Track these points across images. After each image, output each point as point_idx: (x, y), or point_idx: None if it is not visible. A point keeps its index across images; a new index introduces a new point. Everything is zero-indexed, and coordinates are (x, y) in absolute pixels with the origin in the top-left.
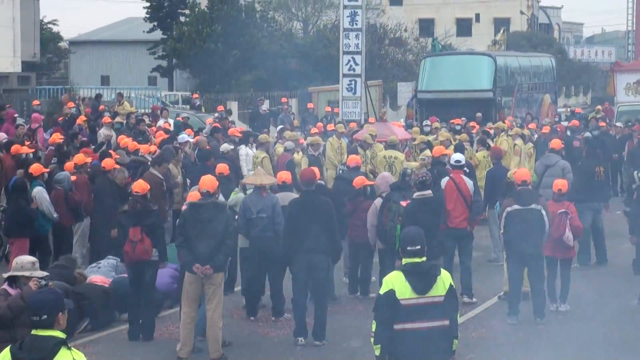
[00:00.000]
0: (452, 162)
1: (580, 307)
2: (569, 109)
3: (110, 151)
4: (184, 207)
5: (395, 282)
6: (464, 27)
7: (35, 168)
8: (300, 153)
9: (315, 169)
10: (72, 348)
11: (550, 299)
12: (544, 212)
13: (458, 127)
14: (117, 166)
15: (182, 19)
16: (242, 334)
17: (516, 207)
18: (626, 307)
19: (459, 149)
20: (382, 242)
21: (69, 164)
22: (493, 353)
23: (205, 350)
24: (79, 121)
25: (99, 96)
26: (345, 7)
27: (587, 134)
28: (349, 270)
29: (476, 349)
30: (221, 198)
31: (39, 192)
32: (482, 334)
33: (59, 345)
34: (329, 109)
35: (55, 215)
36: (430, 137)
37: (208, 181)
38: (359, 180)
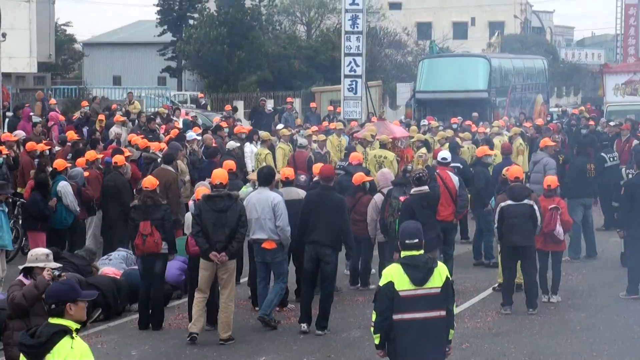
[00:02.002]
0: (439, 159)
1: (570, 298)
2: (560, 109)
3: (122, 148)
4: (190, 202)
5: (394, 274)
6: (460, 30)
7: (59, 163)
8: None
9: (329, 166)
10: (77, 337)
11: (542, 291)
12: (536, 207)
13: (455, 126)
14: (127, 163)
15: (191, 22)
16: (247, 323)
17: (509, 202)
18: (614, 298)
19: (453, 147)
20: (384, 236)
21: (80, 160)
22: (487, 342)
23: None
24: (98, 118)
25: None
26: (347, 10)
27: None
28: (350, 262)
29: (471, 339)
30: None
31: (64, 187)
32: (477, 324)
33: (60, 334)
34: (331, 108)
35: (77, 209)
36: (427, 136)
37: (220, 174)
38: (358, 177)
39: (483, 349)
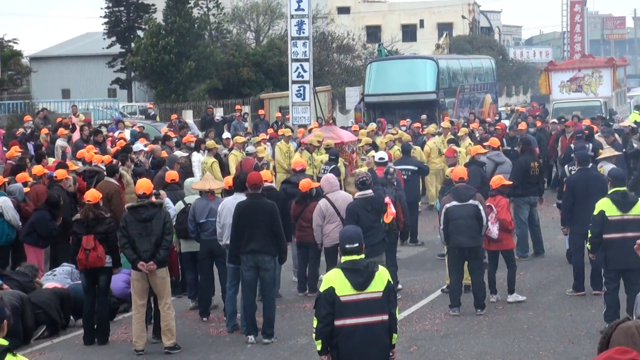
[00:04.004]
0: (376, 159)
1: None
2: (509, 108)
3: (67, 162)
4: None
5: (335, 280)
6: (409, 32)
7: None
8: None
9: (265, 172)
10: (18, 355)
11: (490, 291)
12: (481, 207)
13: (404, 129)
14: (69, 176)
15: (139, 32)
16: (194, 334)
17: (454, 203)
18: (561, 295)
19: (406, 148)
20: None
21: (20, 176)
22: (435, 345)
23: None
24: (42, 132)
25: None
26: (292, 16)
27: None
28: (298, 269)
29: (419, 341)
30: (169, 203)
31: (4, 202)
32: (425, 327)
33: (3, 352)
34: (279, 114)
35: (20, 224)
36: (378, 139)
37: (144, 183)
38: (305, 183)
39: (431, 351)
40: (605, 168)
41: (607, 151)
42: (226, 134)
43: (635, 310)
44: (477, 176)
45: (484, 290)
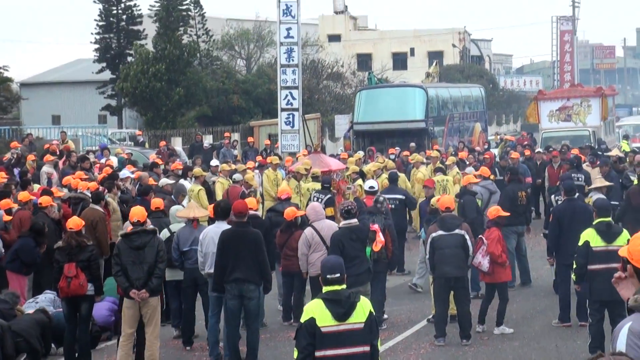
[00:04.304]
0: (366, 188)
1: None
2: (498, 136)
3: (52, 188)
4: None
5: (316, 310)
6: (399, 61)
7: None
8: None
9: (250, 200)
10: None
11: (478, 320)
12: (467, 237)
13: (392, 157)
14: (54, 203)
15: (130, 59)
16: None
17: (440, 232)
18: (547, 326)
19: (393, 177)
20: None
21: (4, 202)
22: None
23: None
24: (28, 159)
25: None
26: (282, 44)
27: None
28: (283, 298)
29: None
30: None
31: None
32: (410, 356)
33: None
34: (268, 142)
35: (2, 251)
36: (366, 167)
37: (138, 211)
38: (290, 212)
39: None
40: (594, 198)
41: (598, 181)
42: (215, 162)
43: (612, 344)
44: (472, 205)
45: (469, 320)
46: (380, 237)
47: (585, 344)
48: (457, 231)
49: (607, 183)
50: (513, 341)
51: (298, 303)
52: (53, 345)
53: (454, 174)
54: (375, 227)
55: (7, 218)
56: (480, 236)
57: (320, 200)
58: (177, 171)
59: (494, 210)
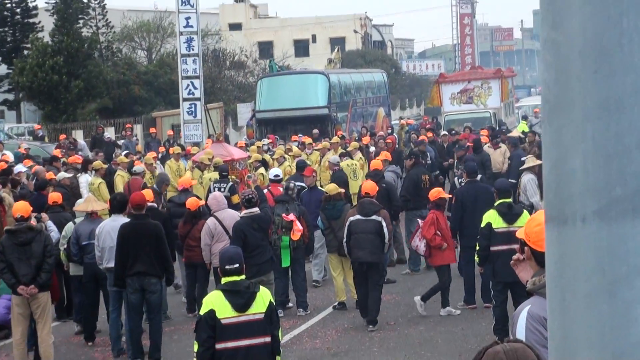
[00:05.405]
0: (271, 176)
1: (409, 312)
2: (402, 121)
3: None
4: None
5: (215, 302)
6: (301, 48)
7: None
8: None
9: (147, 192)
10: None
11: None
12: (384, 224)
13: (295, 144)
14: None
15: (26, 52)
16: (79, 359)
17: (358, 217)
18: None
19: (301, 164)
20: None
21: None
22: None
23: None
24: None
25: None
26: (181, 33)
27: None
28: (186, 289)
29: None
30: (52, 226)
31: None
32: (316, 344)
33: None
34: (171, 132)
35: None
36: (267, 156)
37: (21, 206)
38: (193, 202)
39: None
40: (524, 179)
41: (530, 160)
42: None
43: (512, 328)
44: (394, 189)
45: (378, 306)
46: (298, 226)
47: (490, 326)
48: (374, 217)
49: (539, 162)
50: (419, 325)
51: (202, 294)
52: None
53: (358, 159)
54: (291, 217)
55: None
56: (418, 219)
57: (222, 189)
58: (76, 164)
59: (435, 192)
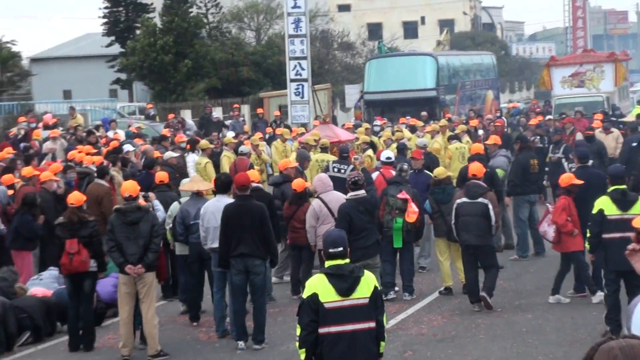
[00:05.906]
0: (383, 158)
1: (517, 299)
2: (508, 105)
3: (53, 162)
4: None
5: (318, 285)
6: (410, 29)
7: None
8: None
9: (252, 173)
10: None
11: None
12: (490, 207)
13: (404, 126)
14: (55, 178)
15: (138, 32)
16: (184, 339)
17: (464, 199)
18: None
19: (401, 147)
20: (381, 235)
21: (7, 178)
22: (431, 349)
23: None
24: (34, 135)
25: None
26: (289, 14)
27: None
28: (291, 271)
29: (415, 346)
30: (158, 206)
31: None
32: (422, 330)
33: None
34: (278, 113)
35: (2, 227)
36: (375, 138)
37: (130, 186)
38: (299, 183)
39: (426, 356)
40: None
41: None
42: (229, 133)
43: (627, 321)
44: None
45: (493, 283)
46: (413, 207)
47: (601, 315)
48: (480, 200)
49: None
50: (527, 313)
51: (307, 276)
52: (58, 324)
53: (465, 142)
54: (406, 195)
55: (11, 192)
56: (547, 204)
57: (343, 171)
58: (181, 144)
59: (566, 178)
